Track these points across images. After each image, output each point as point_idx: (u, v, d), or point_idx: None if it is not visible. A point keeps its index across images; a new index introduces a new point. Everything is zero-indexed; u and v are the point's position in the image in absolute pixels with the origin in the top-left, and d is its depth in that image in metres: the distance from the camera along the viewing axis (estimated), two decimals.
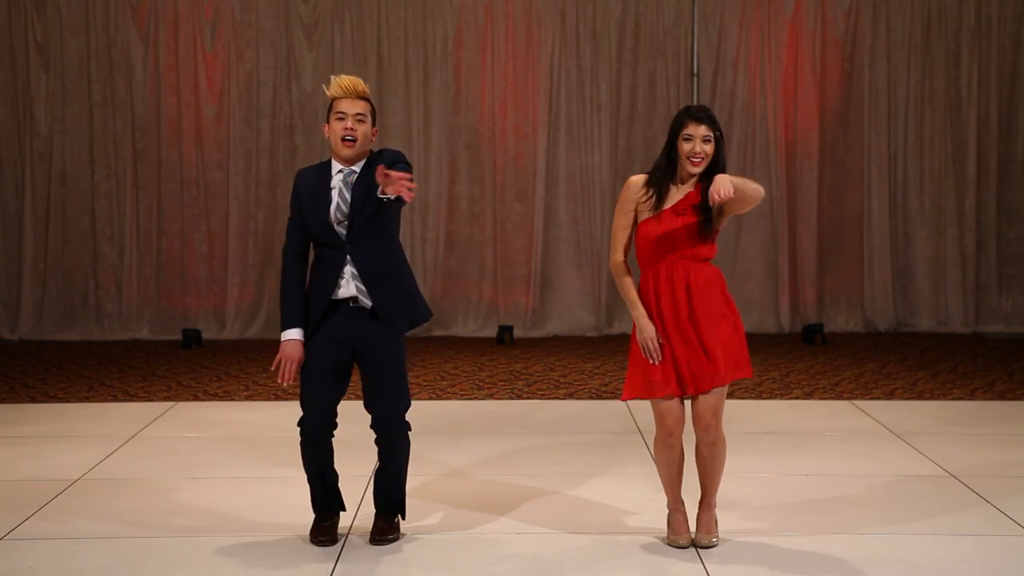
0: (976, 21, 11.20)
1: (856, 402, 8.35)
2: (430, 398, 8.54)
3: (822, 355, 10.13)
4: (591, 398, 8.57)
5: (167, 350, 10.50)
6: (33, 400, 8.55)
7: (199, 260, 11.25)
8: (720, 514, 5.49)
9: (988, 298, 11.38)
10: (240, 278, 11.23)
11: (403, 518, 5.56)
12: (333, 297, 5.27)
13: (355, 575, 5.10)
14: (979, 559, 5.21)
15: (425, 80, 11.20)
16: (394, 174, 4.93)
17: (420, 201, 11.22)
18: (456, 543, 5.45)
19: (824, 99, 11.28)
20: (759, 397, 8.45)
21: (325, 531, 5.43)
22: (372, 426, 5.35)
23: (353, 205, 5.22)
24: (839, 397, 8.53)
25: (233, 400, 8.55)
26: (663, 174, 5.25)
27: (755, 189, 5.18)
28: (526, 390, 8.84)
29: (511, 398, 8.61)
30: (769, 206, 11.20)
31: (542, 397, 8.63)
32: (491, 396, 8.66)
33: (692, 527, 5.40)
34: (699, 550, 5.30)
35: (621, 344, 10.73)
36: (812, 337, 10.74)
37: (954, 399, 8.47)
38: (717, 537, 5.38)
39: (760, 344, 10.55)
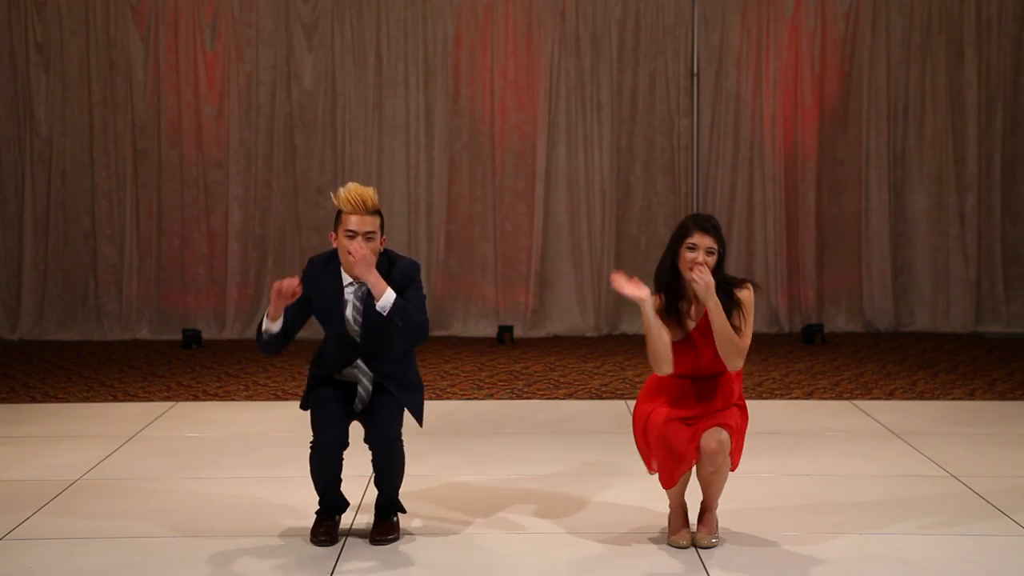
0: (976, 21, 11.20)
1: (856, 402, 8.35)
2: (430, 398, 8.53)
3: (822, 355, 10.13)
4: (591, 398, 8.57)
5: (167, 350, 10.50)
6: (33, 400, 8.55)
7: (199, 260, 11.25)
8: (720, 514, 5.49)
9: (988, 298, 11.38)
10: (240, 278, 11.23)
11: (403, 512, 5.57)
12: (338, 376, 5.39)
13: (355, 575, 5.10)
14: (979, 559, 5.20)
15: (425, 80, 11.20)
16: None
17: (420, 201, 11.22)
18: (456, 543, 5.45)
19: (824, 99, 11.28)
20: (759, 397, 8.45)
21: (325, 531, 5.44)
22: (368, 443, 5.37)
23: (367, 321, 5.28)
24: (839, 397, 8.53)
25: (233, 400, 8.55)
26: (671, 285, 5.18)
27: (732, 342, 5.07)
28: (526, 390, 8.84)
29: (511, 398, 8.61)
30: (769, 206, 11.20)
31: (542, 397, 8.63)
32: (491, 396, 8.66)
33: (692, 527, 5.40)
34: (699, 550, 5.31)
35: (621, 344, 10.73)
36: (812, 337, 10.74)
37: (954, 399, 8.47)
38: (717, 537, 5.38)
39: (760, 344, 10.54)
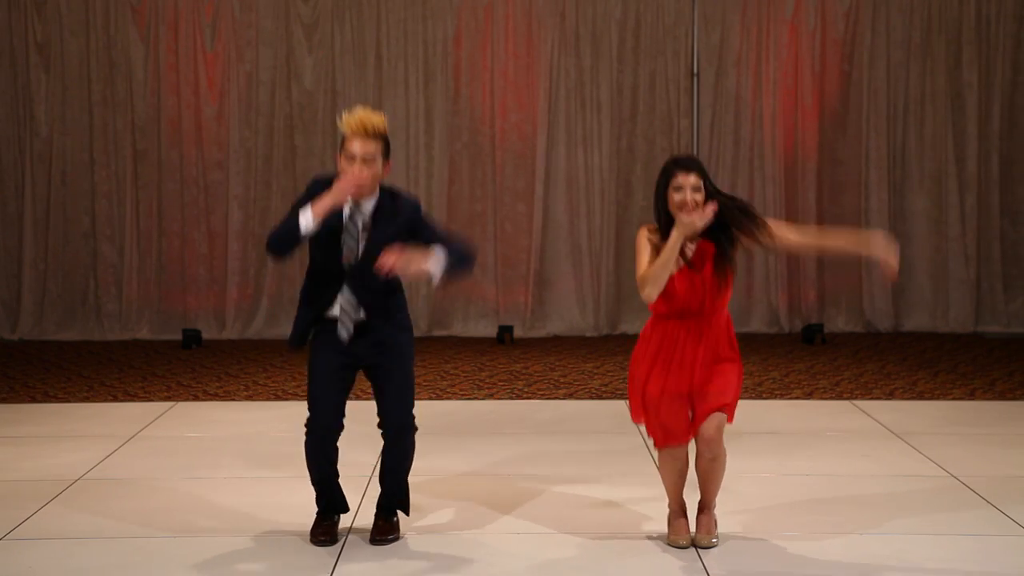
0: (976, 21, 11.20)
1: (856, 402, 8.35)
2: (430, 398, 8.54)
3: (822, 355, 10.13)
4: (591, 398, 8.57)
5: (167, 350, 10.50)
6: (33, 400, 8.55)
7: (199, 260, 11.25)
8: (720, 514, 5.49)
9: (988, 298, 11.38)
10: (240, 278, 11.23)
11: (407, 514, 5.57)
12: (328, 315, 5.27)
13: (355, 575, 5.10)
14: (979, 559, 5.21)
15: (425, 80, 11.20)
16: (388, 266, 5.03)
17: (420, 201, 11.19)
18: (456, 543, 5.45)
19: (824, 99, 11.28)
20: (759, 397, 8.45)
21: (325, 531, 5.44)
22: (381, 429, 5.36)
23: (367, 253, 5.20)
24: (839, 397, 8.53)
25: (233, 400, 8.55)
26: (660, 226, 5.20)
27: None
28: (526, 390, 8.84)
29: (511, 398, 8.61)
30: (769, 206, 11.20)
31: (542, 397, 8.63)
32: (491, 396, 8.66)
33: (692, 527, 5.41)
34: (699, 550, 5.31)
35: (621, 344, 10.73)
36: (812, 337, 10.74)
37: (954, 399, 8.47)
38: (717, 537, 5.38)
39: (760, 344, 10.55)
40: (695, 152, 11.13)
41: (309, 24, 11.16)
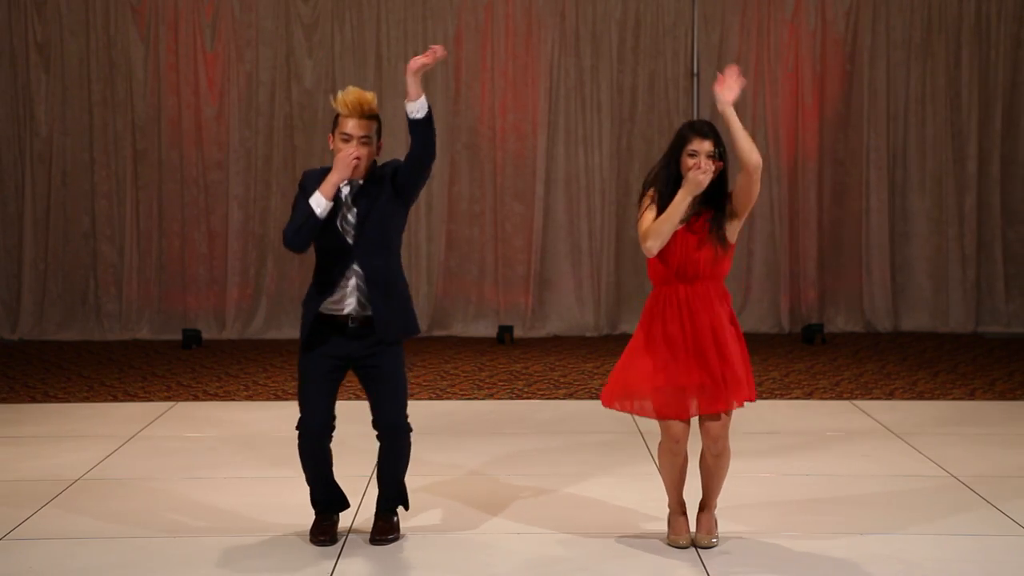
0: (976, 21, 11.20)
1: (856, 402, 8.35)
2: (430, 398, 8.54)
3: (822, 355, 10.13)
4: (591, 398, 8.56)
5: (167, 350, 10.50)
6: (33, 400, 8.55)
7: (199, 260, 11.25)
8: (720, 514, 5.49)
9: (988, 298, 11.38)
10: (240, 278, 11.23)
11: (406, 508, 5.56)
12: (334, 312, 5.27)
13: (355, 575, 5.10)
14: (979, 559, 5.21)
15: (425, 80, 11.08)
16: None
17: (421, 201, 11.22)
18: (456, 543, 5.45)
19: (824, 99, 11.28)
20: (759, 397, 8.43)
21: (325, 531, 5.44)
22: (376, 430, 5.36)
23: (359, 217, 5.27)
24: (839, 397, 8.53)
25: (233, 400, 8.55)
26: (666, 188, 5.19)
27: (750, 148, 5.20)
28: (526, 390, 8.84)
29: (511, 398, 8.61)
30: (769, 206, 11.20)
31: (542, 397, 8.63)
32: (491, 396, 8.66)
33: (692, 527, 5.41)
34: (699, 550, 5.31)
35: (621, 344, 10.68)
36: (812, 337, 10.74)
37: (954, 399, 8.47)
38: (717, 537, 5.38)
39: (760, 344, 10.55)
40: None
41: (309, 24, 11.16)
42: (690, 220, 5.19)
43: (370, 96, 5.41)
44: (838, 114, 11.30)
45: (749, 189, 5.20)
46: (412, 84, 5.33)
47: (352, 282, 5.27)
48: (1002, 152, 11.30)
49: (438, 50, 5.33)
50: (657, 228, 5.10)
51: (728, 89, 5.14)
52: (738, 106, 11.99)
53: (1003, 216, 11.36)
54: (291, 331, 10.61)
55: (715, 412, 5.18)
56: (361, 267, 5.27)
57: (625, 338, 10.96)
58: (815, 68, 11.23)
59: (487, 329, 11.22)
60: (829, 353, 10.23)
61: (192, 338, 10.71)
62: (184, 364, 9.86)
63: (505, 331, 10.93)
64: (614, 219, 11.28)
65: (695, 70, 11.19)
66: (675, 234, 5.16)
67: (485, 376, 9.33)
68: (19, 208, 11.17)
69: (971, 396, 8.55)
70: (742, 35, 11.20)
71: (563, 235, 11.34)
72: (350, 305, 5.28)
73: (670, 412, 5.20)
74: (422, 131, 5.38)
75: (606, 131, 11.24)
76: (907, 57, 11.24)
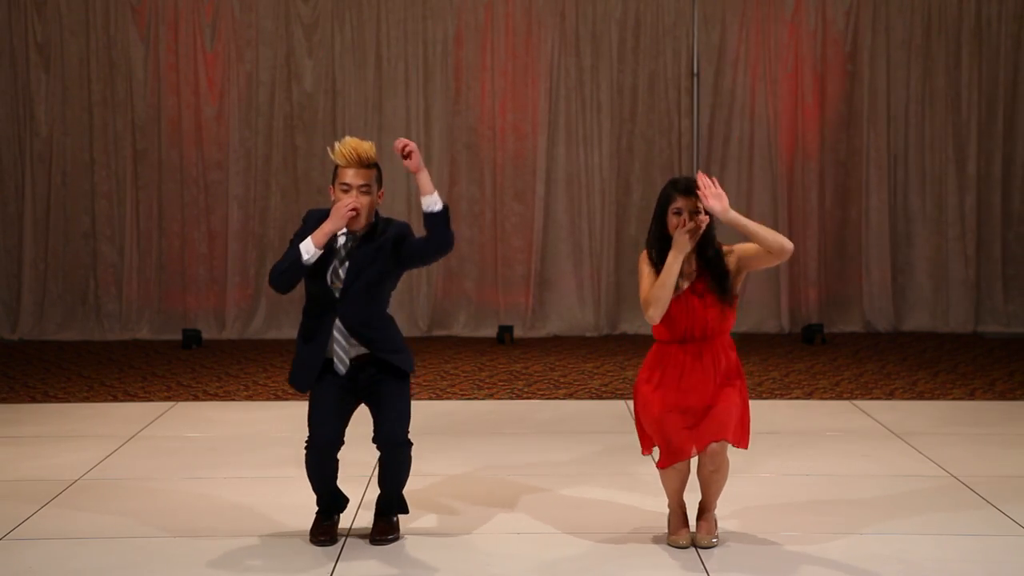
0: (976, 21, 11.20)
1: (856, 402, 8.35)
2: (430, 398, 8.54)
3: (822, 355, 10.13)
4: (591, 398, 8.56)
5: (167, 350, 10.50)
6: (33, 400, 8.55)
7: (199, 260, 11.25)
8: (720, 514, 5.49)
9: (988, 298, 11.37)
10: (240, 278, 11.23)
11: (406, 512, 5.57)
12: (326, 356, 5.30)
13: (355, 575, 5.10)
14: (979, 559, 5.21)
15: (425, 80, 11.20)
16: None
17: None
18: (456, 543, 5.45)
19: (824, 99, 11.28)
20: (759, 397, 8.45)
21: (325, 531, 5.44)
22: (376, 444, 5.37)
23: (351, 273, 5.26)
24: (839, 397, 8.53)
25: (233, 400, 8.55)
26: (660, 252, 5.19)
27: (775, 237, 5.12)
28: (526, 390, 8.84)
29: (511, 398, 8.61)
30: (769, 206, 11.20)
31: (542, 397, 8.63)
32: (491, 396, 8.66)
33: (692, 527, 5.41)
34: (699, 550, 5.31)
35: (621, 344, 10.73)
36: (812, 337, 10.74)
37: (954, 399, 8.47)
38: (717, 537, 5.38)
39: (760, 344, 10.55)
40: (695, 152, 11.13)
41: (309, 24, 11.16)
42: (692, 283, 5.19)
43: (368, 145, 5.36)
44: (838, 114, 11.30)
45: (768, 262, 5.23)
46: (422, 182, 5.32)
47: (333, 333, 5.29)
48: (1002, 152, 11.30)
49: (404, 143, 5.26)
50: (656, 295, 5.10)
51: (715, 199, 5.08)
52: (738, 106, 11.93)
53: (1003, 216, 11.36)
54: (291, 331, 10.60)
55: (708, 442, 5.18)
56: (342, 320, 5.27)
57: (625, 338, 11.06)
58: (815, 68, 11.23)
59: (487, 329, 11.22)
60: (829, 353, 10.23)
61: (192, 338, 10.71)
62: (184, 364, 9.86)
63: (505, 331, 10.93)
64: (614, 219, 11.28)
65: (695, 70, 11.19)
66: (678, 299, 5.16)
67: (485, 376, 9.33)
68: (19, 208, 11.17)
69: (971, 396, 8.55)
70: (742, 35, 11.20)
71: (563, 235, 11.34)
72: (333, 351, 5.30)
73: (675, 457, 5.23)
74: (439, 226, 5.31)
75: (606, 131, 11.24)
76: (907, 57, 11.24)
